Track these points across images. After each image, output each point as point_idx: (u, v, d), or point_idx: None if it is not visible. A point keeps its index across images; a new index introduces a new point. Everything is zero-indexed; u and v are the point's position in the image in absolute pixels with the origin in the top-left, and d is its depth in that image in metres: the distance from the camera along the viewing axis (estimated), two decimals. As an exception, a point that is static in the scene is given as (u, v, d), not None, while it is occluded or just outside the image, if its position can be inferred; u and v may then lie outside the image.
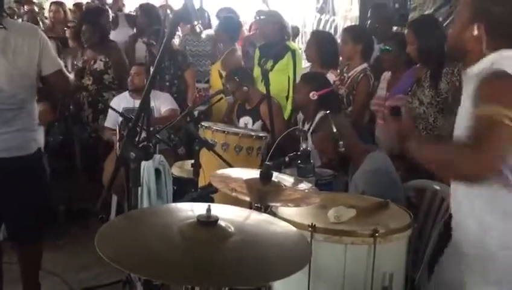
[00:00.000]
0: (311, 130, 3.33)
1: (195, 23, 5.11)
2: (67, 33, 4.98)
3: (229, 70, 4.17)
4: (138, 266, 1.31)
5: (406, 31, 3.22)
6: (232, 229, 1.44)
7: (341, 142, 2.51)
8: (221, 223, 1.44)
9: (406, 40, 3.14)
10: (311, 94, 3.31)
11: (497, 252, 1.75)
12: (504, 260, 1.75)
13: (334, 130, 2.53)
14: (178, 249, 1.37)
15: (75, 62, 4.66)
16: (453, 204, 1.92)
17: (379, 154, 2.73)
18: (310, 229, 1.83)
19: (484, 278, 1.79)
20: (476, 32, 1.75)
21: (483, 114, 1.64)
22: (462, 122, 1.77)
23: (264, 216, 1.69)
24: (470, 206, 1.81)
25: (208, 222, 1.42)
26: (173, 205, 1.81)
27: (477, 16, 1.76)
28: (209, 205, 1.44)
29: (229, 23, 5.04)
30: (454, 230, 1.94)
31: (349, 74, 3.66)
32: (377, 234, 1.80)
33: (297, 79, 4.26)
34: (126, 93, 4.27)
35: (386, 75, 3.56)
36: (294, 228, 1.58)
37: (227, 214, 1.54)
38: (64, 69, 2.88)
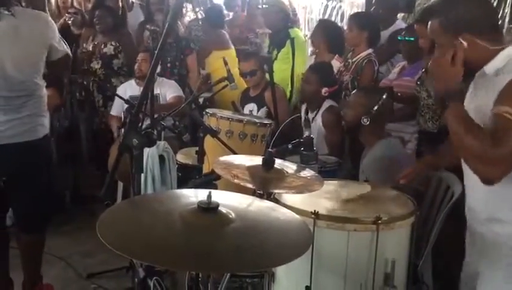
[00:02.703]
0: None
1: (197, 9, 5.13)
2: (70, 21, 4.96)
3: (251, 52, 4.26)
4: (139, 252, 1.32)
5: (416, 26, 3.18)
6: (233, 215, 1.44)
7: (367, 118, 2.56)
8: (222, 209, 1.44)
9: (417, 33, 3.11)
10: (323, 90, 3.37)
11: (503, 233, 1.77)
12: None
13: (376, 107, 2.61)
14: (179, 235, 1.38)
15: (85, 46, 4.64)
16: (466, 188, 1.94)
17: (390, 143, 2.73)
18: (313, 216, 1.83)
19: (495, 262, 1.81)
20: (465, 44, 1.76)
21: (501, 112, 1.65)
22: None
23: (266, 203, 1.69)
24: (479, 190, 1.82)
25: (209, 208, 1.42)
26: (175, 191, 1.82)
27: (456, 30, 1.76)
28: (210, 192, 1.44)
29: (212, 11, 5.15)
30: (467, 214, 1.95)
31: (354, 60, 3.64)
32: (379, 221, 1.80)
33: (296, 67, 4.29)
34: (132, 81, 4.27)
35: (402, 63, 3.55)
36: (295, 215, 1.58)
37: (228, 200, 1.54)
38: (69, 56, 2.90)
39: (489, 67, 1.78)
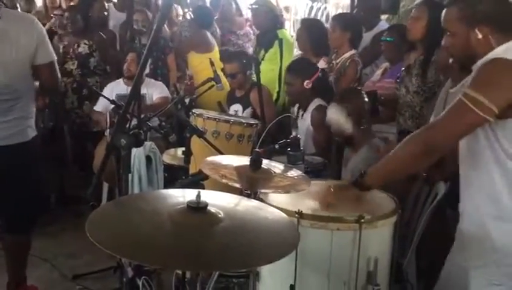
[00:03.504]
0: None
1: (186, 10, 5.13)
2: (54, 22, 4.93)
3: (236, 52, 4.24)
4: (129, 251, 1.33)
5: (415, 9, 3.09)
6: (221, 214, 1.46)
7: (365, 119, 2.58)
8: (211, 209, 1.46)
9: (414, 16, 3.02)
10: (305, 83, 3.36)
11: (492, 229, 1.81)
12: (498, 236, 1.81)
13: (366, 106, 2.60)
14: (168, 234, 1.39)
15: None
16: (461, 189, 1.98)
17: (380, 143, 2.77)
18: (297, 215, 1.85)
19: (483, 259, 1.85)
20: (480, 36, 1.79)
21: (463, 94, 1.72)
22: None
23: (254, 202, 1.71)
24: (467, 187, 1.89)
25: (198, 208, 1.44)
26: (163, 191, 1.83)
27: (475, 21, 1.79)
28: (199, 191, 1.46)
29: (200, 11, 5.13)
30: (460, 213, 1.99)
31: (338, 61, 3.68)
32: (362, 220, 1.83)
33: (283, 67, 4.31)
34: (120, 81, 4.28)
35: (384, 64, 3.59)
36: (283, 214, 1.60)
37: (217, 200, 1.56)
38: (56, 63, 2.82)
39: (481, 62, 1.81)
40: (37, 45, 2.65)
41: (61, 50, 4.53)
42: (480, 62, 1.81)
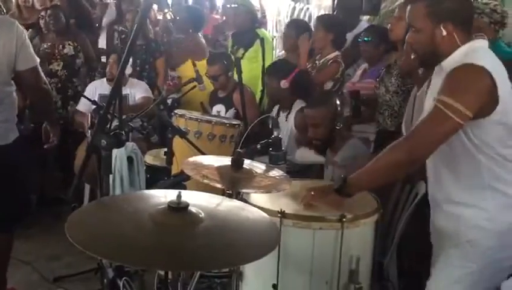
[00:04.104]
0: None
1: (166, 10, 5.10)
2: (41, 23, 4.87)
3: (218, 54, 4.18)
4: (109, 252, 1.33)
5: (398, 9, 3.07)
6: (202, 214, 1.46)
7: (339, 121, 2.60)
8: (192, 209, 1.46)
9: (397, 16, 3.01)
10: (282, 83, 3.36)
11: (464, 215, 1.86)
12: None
13: (339, 108, 2.62)
14: (149, 235, 1.39)
15: (45, 46, 4.56)
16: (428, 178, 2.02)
17: (356, 142, 2.79)
18: (279, 215, 1.86)
19: (452, 242, 1.90)
20: (445, 33, 1.82)
21: (436, 102, 1.75)
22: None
23: (235, 202, 1.71)
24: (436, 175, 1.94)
25: (179, 208, 1.44)
26: (145, 191, 1.82)
27: (440, 18, 1.82)
28: (180, 192, 1.45)
29: (192, 12, 5.05)
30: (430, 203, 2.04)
31: (321, 61, 3.69)
32: (344, 219, 1.84)
33: (266, 66, 4.29)
34: (104, 79, 4.25)
35: (364, 65, 3.61)
36: (264, 214, 1.61)
37: (198, 200, 1.56)
38: (39, 67, 2.78)
39: (446, 63, 1.85)
40: (17, 49, 2.60)
41: (44, 50, 4.47)
42: (446, 64, 1.84)
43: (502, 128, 1.80)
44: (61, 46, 4.47)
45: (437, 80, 1.89)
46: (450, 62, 1.84)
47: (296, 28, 4.05)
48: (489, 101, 1.74)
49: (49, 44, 4.49)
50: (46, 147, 3.02)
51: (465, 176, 1.86)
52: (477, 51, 1.82)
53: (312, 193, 2.03)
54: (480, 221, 1.85)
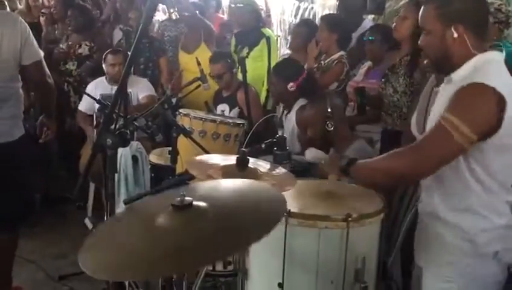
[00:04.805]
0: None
1: (171, 10, 5.10)
2: (42, 20, 4.90)
3: (220, 52, 4.18)
4: (120, 272, 1.33)
5: (403, 9, 3.10)
6: (205, 205, 1.42)
7: (330, 122, 2.60)
8: (195, 203, 1.41)
9: (402, 15, 3.04)
10: (289, 86, 3.36)
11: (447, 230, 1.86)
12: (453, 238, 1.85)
13: (329, 109, 2.62)
14: (157, 243, 1.34)
15: (61, 46, 4.59)
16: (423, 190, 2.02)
17: (361, 143, 2.78)
18: (285, 214, 1.86)
19: (437, 259, 1.90)
20: (456, 35, 1.78)
21: (442, 120, 1.73)
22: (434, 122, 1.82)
23: (235, 181, 1.68)
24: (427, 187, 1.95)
25: (183, 206, 1.41)
26: (147, 198, 1.80)
27: (450, 19, 1.79)
28: (184, 192, 1.43)
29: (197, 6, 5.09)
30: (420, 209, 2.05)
31: (326, 62, 3.69)
32: (350, 219, 1.84)
33: (272, 65, 4.29)
34: (103, 79, 4.23)
35: (367, 64, 3.61)
36: (265, 185, 1.58)
37: (197, 190, 1.53)
38: (43, 61, 2.82)
39: (456, 75, 1.82)
40: (21, 44, 2.64)
41: (65, 48, 4.51)
42: (456, 76, 1.81)
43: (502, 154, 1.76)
44: (77, 45, 4.50)
45: (445, 92, 1.85)
46: (460, 74, 1.80)
47: (307, 26, 4.06)
48: (495, 125, 1.71)
49: (70, 43, 4.51)
50: (41, 142, 3.02)
51: (454, 195, 1.85)
52: (488, 66, 1.77)
53: (323, 161, 2.07)
54: (460, 242, 1.84)
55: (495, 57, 1.83)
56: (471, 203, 1.82)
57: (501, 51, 2.32)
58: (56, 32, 4.89)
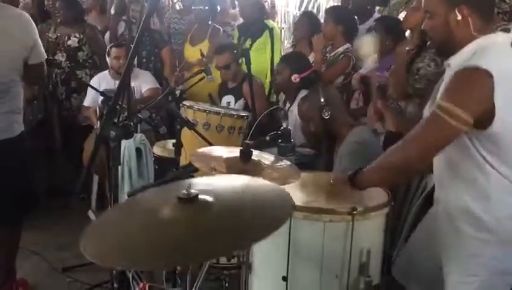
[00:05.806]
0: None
1: (175, 0, 5.07)
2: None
3: (225, 44, 4.16)
4: (124, 261, 1.32)
5: (416, 0, 3.01)
6: (211, 199, 1.40)
7: (326, 111, 2.58)
8: (201, 196, 1.41)
9: (415, 6, 2.94)
10: (293, 77, 3.34)
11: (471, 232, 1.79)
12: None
13: (322, 99, 2.60)
14: (161, 234, 1.34)
15: (49, 35, 4.56)
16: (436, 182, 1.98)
17: (364, 129, 2.76)
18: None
19: (456, 251, 1.85)
20: (459, 17, 1.74)
21: (436, 106, 1.70)
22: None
23: (242, 178, 1.66)
24: (450, 185, 1.87)
25: (189, 199, 1.41)
26: (153, 189, 1.79)
27: (453, 2, 1.75)
28: (189, 183, 1.43)
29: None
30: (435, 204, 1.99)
31: (331, 54, 3.66)
32: (355, 212, 1.83)
33: (275, 57, 4.28)
34: (107, 73, 4.22)
35: (372, 57, 3.58)
36: (272, 184, 1.56)
37: (204, 184, 1.52)
38: (44, 63, 2.88)
39: (453, 60, 1.79)
40: (33, 43, 2.70)
41: (50, 40, 4.48)
42: (453, 62, 1.78)
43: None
44: (66, 37, 4.47)
45: (445, 78, 1.82)
46: (457, 60, 1.77)
47: (308, 18, 4.04)
48: (491, 107, 1.66)
49: (58, 35, 4.49)
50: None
51: (473, 187, 1.79)
52: (489, 49, 1.72)
53: (332, 181, 2.03)
54: (480, 233, 1.78)
55: (497, 39, 1.78)
56: (490, 192, 1.76)
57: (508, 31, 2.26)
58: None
